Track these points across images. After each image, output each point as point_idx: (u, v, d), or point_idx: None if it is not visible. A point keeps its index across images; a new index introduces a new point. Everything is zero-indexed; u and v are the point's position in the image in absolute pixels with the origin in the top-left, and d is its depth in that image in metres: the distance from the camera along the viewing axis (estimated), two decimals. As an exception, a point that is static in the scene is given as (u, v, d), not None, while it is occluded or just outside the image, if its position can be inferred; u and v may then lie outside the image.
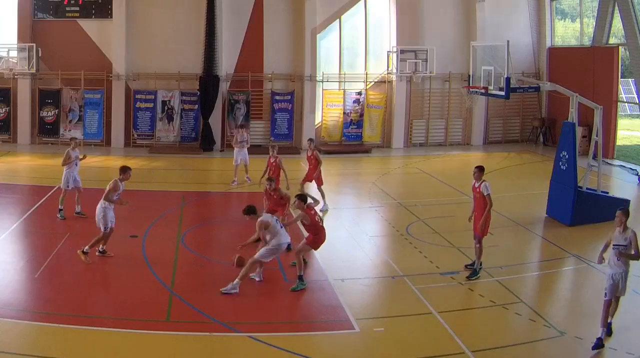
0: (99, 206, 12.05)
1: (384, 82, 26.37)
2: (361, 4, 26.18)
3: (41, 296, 10.46)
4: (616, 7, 23.00)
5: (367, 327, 9.68)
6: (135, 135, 25.09)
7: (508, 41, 15.71)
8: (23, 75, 24.37)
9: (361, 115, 25.93)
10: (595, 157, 15.95)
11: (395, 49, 25.60)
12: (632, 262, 9.15)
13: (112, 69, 24.71)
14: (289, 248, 11.70)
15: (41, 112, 24.61)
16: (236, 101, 25.17)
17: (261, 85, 25.64)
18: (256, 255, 10.91)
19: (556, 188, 15.66)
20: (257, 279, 11.35)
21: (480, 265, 11.87)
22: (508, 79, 15.40)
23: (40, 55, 24.31)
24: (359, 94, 26.00)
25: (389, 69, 26.05)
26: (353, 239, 14.19)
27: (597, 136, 15.58)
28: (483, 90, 16.54)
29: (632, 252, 8.96)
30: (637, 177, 20.59)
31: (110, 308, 10.02)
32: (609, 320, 9.06)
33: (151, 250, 12.81)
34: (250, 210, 11.00)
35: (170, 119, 25.06)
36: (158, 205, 16.38)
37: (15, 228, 14.10)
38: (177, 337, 9.19)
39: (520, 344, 9.20)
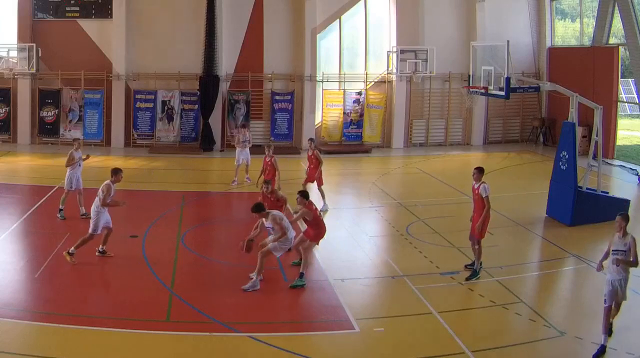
0: (93, 208, 12.06)
1: (384, 82, 26.37)
2: (361, 4, 26.18)
3: (41, 296, 10.46)
4: (616, 7, 23.00)
5: (367, 327, 9.68)
6: (135, 135, 25.09)
7: (508, 41, 15.71)
8: (23, 75, 24.38)
9: (361, 115, 25.93)
10: (595, 157, 15.95)
11: (395, 49, 25.60)
12: (632, 274, 9.04)
13: (112, 69, 24.71)
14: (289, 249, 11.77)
15: (41, 112, 24.61)
16: (236, 101, 25.18)
17: (261, 85, 25.64)
18: (269, 247, 11.05)
19: (556, 188, 15.66)
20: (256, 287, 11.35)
21: (480, 265, 11.87)
22: (508, 79, 15.40)
23: (40, 55, 24.31)
24: (359, 94, 26.00)
25: (389, 69, 26.05)
26: (353, 239, 14.19)
27: (597, 136, 15.58)
28: (483, 90, 16.54)
29: (631, 259, 8.83)
30: (637, 177, 20.60)
31: (110, 308, 10.02)
32: (610, 321, 9.00)
33: (151, 250, 12.81)
34: (259, 208, 11.07)
35: (170, 119, 25.07)
36: (158, 205, 16.38)
37: (15, 228, 14.10)
38: (177, 337, 9.19)
39: (520, 344, 9.19)
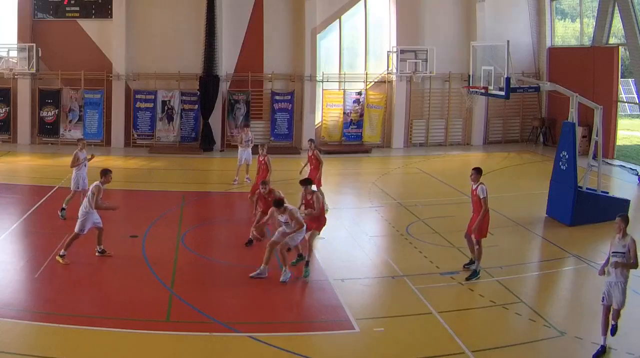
0: (81, 209, 12.02)
1: (384, 82, 26.37)
2: (361, 4, 26.18)
3: (41, 296, 10.46)
4: (616, 7, 23.01)
5: (367, 327, 9.68)
6: (135, 135, 25.09)
7: (508, 41, 15.71)
8: (23, 75, 24.38)
9: (361, 115, 25.93)
10: (595, 157, 15.95)
11: (395, 49, 25.60)
12: (632, 274, 8.94)
13: (112, 69, 24.72)
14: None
15: (41, 112, 24.61)
16: (236, 101, 25.18)
17: (261, 85, 25.64)
18: (287, 240, 11.33)
19: (556, 188, 15.66)
20: (263, 276, 11.43)
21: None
22: (508, 79, 15.40)
23: (40, 55, 24.31)
24: (359, 94, 26.01)
25: (389, 69, 26.06)
26: (353, 239, 14.18)
27: (597, 136, 15.58)
28: (483, 90, 16.54)
29: (632, 261, 8.74)
30: (637, 177, 20.60)
31: (110, 308, 10.00)
32: (612, 323, 8.93)
33: (151, 250, 12.81)
34: (281, 203, 11.31)
35: (170, 119, 25.07)
36: (158, 205, 16.39)
37: (15, 228, 14.10)
38: (177, 337, 9.19)
39: (520, 344, 9.19)
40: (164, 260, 12.22)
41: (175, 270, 11.79)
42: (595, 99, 17.56)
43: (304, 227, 11.48)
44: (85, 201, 12.02)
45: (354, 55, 26.60)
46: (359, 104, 25.95)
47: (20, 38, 24.31)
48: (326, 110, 25.86)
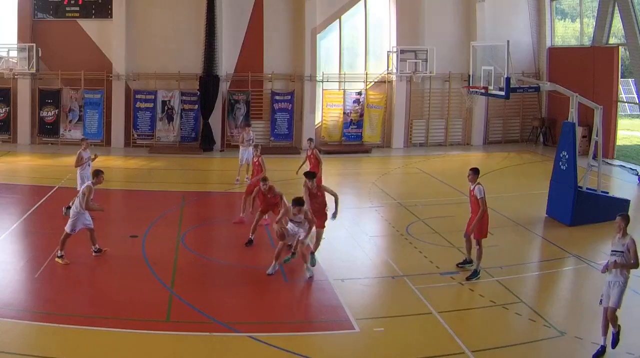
0: (72, 208, 12.01)
1: (384, 82, 26.38)
2: (361, 4, 26.18)
3: (41, 296, 10.46)
4: (616, 7, 23.01)
5: (367, 327, 9.67)
6: (135, 135, 25.10)
7: (508, 41, 15.71)
8: (23, 75, 24.39)
9: (361, 115, 25.93)
10: (595, 157, 15.95)
11: (395, 49, 25.61)
12: (632, 274, 8.87)
13: (112, 69, 24.72)
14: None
15: (41, 112, 24.62)
16: (236, 101, 25.18)
17: (261, 85, 25.65)
18: (304, 240, 11.51)
19: (556, 188, 15.66)
20: (270, 272, 11.54)
21: (470, 263, 11.89)
22: (508, 79, 15.40)
23: (40, 55, 24.32)
24: (359, 94, 26.01)
25: (389, 69, 26.06)
26: (353, 239, 14.18)
27: (597, 136, 15.58)
28: (483, 90, 16.54)
29: (632, 261, 8.67)
30: (637, 177, 20.60)
31: (110, 308, 10.00)
32: (613, 331, 8.83)
33: (151, 250, 12.81)
34: (301, 202, 11.43)
35: (170, 119, 25.07)
36: (158, 205, 16.38)
37: (15, 228, 14.10)
38: (177, 337, 9.19)
39: (520, 344, 9.19)
40: (164, 260, 12.21)
41: (175, 270, 11.79)
42: (595, 99, 17.56)
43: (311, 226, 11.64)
44: (76, 201, 11.99)
45: (354, 55, 26.60)
46: (359, 104, 25.95)
47: (20, 38, 24.32)
48: (326, 110, 25.87)
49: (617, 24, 23.60)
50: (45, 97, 24.60)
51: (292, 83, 25.74)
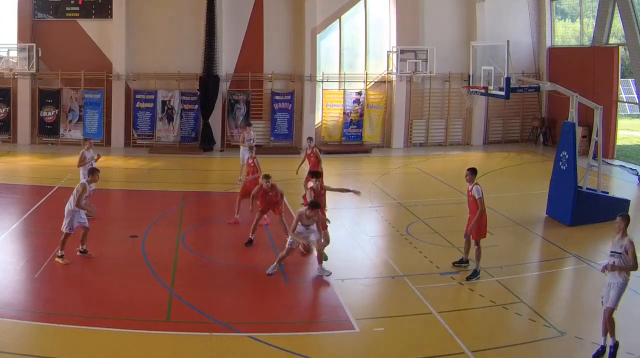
0: (67, 207, 11.89)
1: (384, 82, 26.37)
2: (361, 4, 26.18)
3: (41, 296, 10.46)
4: (616, 7, 23.01)
5: (367, 327, 9.67)
6: (135, 135, 25.10)
7: (508, 41, 15.71)
8: (23, 75, 24.39)
9: (361, 115, 25.93)
10: (595, 157, 15.95)
11: (395, 49, 25.61)
12: (632, 275, 8.78)
13: (112, 69, 24.72)
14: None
15: (41, 112, 24.62)
16: (236, 101, 25.18)
17: (261, 85, 25.65)
18: (320, 241, 11.64)
19: (556, 188, 15.66)
20: (270, 272, 11.57)
21: (467, 262, 11.89)
22: (508, 79, 15.40)
23: (40, 55, 24.32)
24: (359, 94, 26.01)
25: (389, 69, 26.06)
26: (353, 239, 14.18)
27: (597, 136, 15.58)
28: (483, 90, 16.54)
29: (631, 263, 8.55)
30: (637, 177, 20.60)
31: (110, 308, 10.00)
32: (611, 344, 8.74)
33: (151, 250, 12.81)
34: (319, 204, 11.57)
35: (170, 119, 25.07)
36: (158, 205, 16.39)
37: (15, 228, 14.10)
38: (177, 337, 9.19)
39: (520, 344, 9.19)
40: (164, 260, 12.21)
41: (175, 270, 11.79)
42: (595, 99, 17.56)
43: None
44: (70, 199, 11.91)
45: (354, 55, 26.60)
46: (359, 104, 25.95)
47: (20, 38, 24.31)
48: (326, 110, 25.86)
49: (617, 24, 23.60)
50: (45, 97, 24.60)
51: (292, 83, 25.74)
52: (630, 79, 32.69)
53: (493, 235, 13.74)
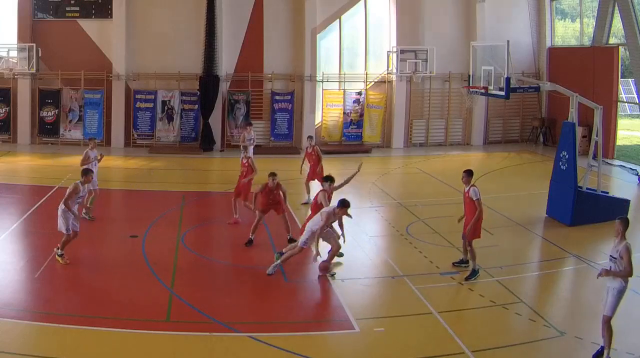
0: (59, 210, 11.76)
1: (384, 82, 26.38)
2: (361, 4, 26.19)
3: (41, 296, 10.46)
4: (616, 7, 23.01)
5: (367, 327, 9.68)
6: (135, 135, 25.10)
7: (508, 41, 15.72)
8: (23, 75, 24.39)
9: (361, 115, 25.93)
10: (595, 157, 15.95)
11: (395, 49, 25.61)
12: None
13: (112, 69, 24.72)
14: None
15: (41, 112, 24.62)
16: (236, 101, 25.18)
17: (261, 85, 25.65)
18: (337, 241, 11.76)
19: (556, 188, 15.66)
20: (270, 272, 11.58)
21: (467, 262, 11.89)
22: (508, 79, 15.40)
23: (40, 55, 24.32)
24: (359, 94, 26.01)
25: (389, 69, 26.06)
26: (353, 239, 14.10)
27: (597, 136, 15.58)
28: (483, 90, 16.54)
29: (626, 269, 8.31)
30: (637, 177, 20.60)
31: (110, 308, 10.00)
32: (602, 344, 8.65)
33: (151, 250, 12.81)
34: (348, 203, 11.75)
35: (170, 119, 25.07)
36: (158, 205, 16.39)
37: (15, 228, 14.11)
38: (177, 337, 9.19)
39: (520, 344, 9.20)
40: (164, 260, 12.22)
41: (175, 270, 11.79)
42: (595, 99, 17.55)
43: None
44: (62, 200, 11.80)
45: (354, 55, 26.60)
46: (359, 104, 25.95)
47: (20, 38, 24.31)
48: (326, 110, 25.87)
49: (617, 24, 23.60)
50: (45, 97, 24.60)
51: (292, 83, 25.74)
52: (630, 79, 32.69)
53: (493, 235, 13.77)
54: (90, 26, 24.84)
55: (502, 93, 15.70)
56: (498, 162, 23.52)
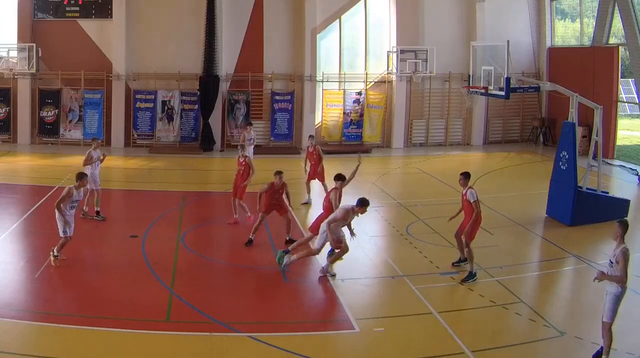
0: (57, 214, 11.65)
1: (384, 82, 26.37)
2: (361, 4, 26.18)
3: (41, 296, 10.47)
4: (616, 7, 23.01)
5: (367, 327, 9.68)
6: (135, 135, 25.09)
7: (508, 41, 15.72)
8: (23, 75, 24.38)
9: (361, 115, 25.93)
10: (595, 157, 15.95)
11: (395, 49, 25.61)
12: (632, 276, 8.54)
13: (112, 69, 24.72)
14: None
15: (41, 112, 24.61)
16: (236, 101, 25.18)
17: (261, 85, 25.65)
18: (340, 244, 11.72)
19: (556, 188, 15.66)
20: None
21: (465, 261, 11.89)
22: (508, 79, 15.40)
23: (40, 55, 24.31)
24: (359, 94, 26.01)
25: (389, 69, 26.06)
26: (353, 239, 14.16)
27: (597, 136, 15.58)
28: (483, 90, 16.54)
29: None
30: (637, 177, 20.60)
31: (110, 308, 10.00)
32: (601, 345, 8.61)
33: (151, 250, 12.81)
34: (368, 202, 11.73)
35: (170, 119, 25.07)
36: (158, 205, 16.39)
37: (15, 228, 14.11)
38: (177, 337, 9.19)
39: (520, 344, 9.20)
40: (164, 260, 12.22)
41: (175, 270, 11.79)
42: (595, 99, 17.56)
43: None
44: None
45: (354, 55, 26.60)
46: (359, 104, 25.95)
47: (20, 38, 24.31)
48: (326, 110, 25.87)
49: (617, 24, 23.60)
50: (45, 97, 24.59)
51: (292, 83, 25.74)
52: (630, 79, 32.69)
53: (493, 235, 13.77)
54: (90, 26, 24.84)
55: (502, 93, 15.71)
56: (498, 162, 23.51)
